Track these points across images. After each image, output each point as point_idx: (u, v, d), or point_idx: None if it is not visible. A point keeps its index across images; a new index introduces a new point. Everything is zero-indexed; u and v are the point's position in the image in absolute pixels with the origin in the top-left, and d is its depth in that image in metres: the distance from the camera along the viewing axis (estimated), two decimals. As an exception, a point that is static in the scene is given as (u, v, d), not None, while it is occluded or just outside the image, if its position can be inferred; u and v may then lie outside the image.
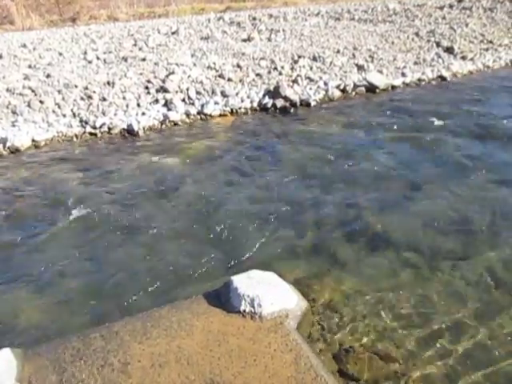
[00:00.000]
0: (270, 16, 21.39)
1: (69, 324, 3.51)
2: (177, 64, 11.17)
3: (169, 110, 8.68)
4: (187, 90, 9.31)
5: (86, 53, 13.28)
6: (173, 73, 10.26)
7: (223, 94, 9.27)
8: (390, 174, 5.80)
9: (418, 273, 3.90)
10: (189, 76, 10.15)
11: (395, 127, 7.55)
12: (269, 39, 14.56)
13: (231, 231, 4.65)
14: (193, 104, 8.96)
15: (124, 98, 9.07)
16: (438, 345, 3.14)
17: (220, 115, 8.75)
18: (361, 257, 4.14)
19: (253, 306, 3.07)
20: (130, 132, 8.02)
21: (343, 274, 3.90)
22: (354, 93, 9.88)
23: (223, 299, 3.23)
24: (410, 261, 4.05)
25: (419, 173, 5.81)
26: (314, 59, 11.48)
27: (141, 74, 10.47)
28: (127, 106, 8.79)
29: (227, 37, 15.48)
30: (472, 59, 12.08)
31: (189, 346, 2.90)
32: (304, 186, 5.61)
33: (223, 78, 10.14)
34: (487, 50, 12.98)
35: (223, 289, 3.32)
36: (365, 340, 3.22)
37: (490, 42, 13.83)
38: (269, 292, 3.16)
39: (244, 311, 3.08)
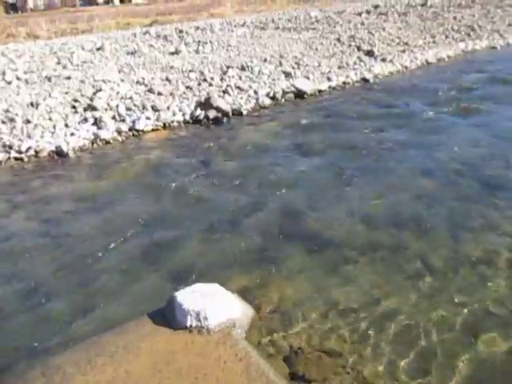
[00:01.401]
0: (197, 28, 21.44)
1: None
2: (104, 81, 10.88)
3: (99, 128, 8.42)
4: (117, 106, 9.09)
5: (4, 73, 12.57)
6: (100, 90, 9.98)
7: (154, 109, 9.15)
8: (322, 176, 6.00)
9: (359, 268, 4.06)
10: (117, 92, 9.93)
11: (323, 130, 7.85)
12: (197, 51, 14.58)
13: (171, 246, 4.59)
14: (123, 121, 8.76)
15: (50, 119, 8.68)
16: (383, 336, 3.27)
17: (153, 130, 8.62)
18: (302, 258, 4.24)
19: (199, 320, 3.05)
20: (59, 154, 7.68)
21: (287, 277, 3.97)
22: (283, 99, 10.14)
23: (168, 317, 3.19)
24: (349, 257, 4.21)
25: (348, 171, 6.06)
26: (243, 69, 11.66)
27: (66, 92, 10.08)
28: (54, 126, 8.41)
29: (154, 51, 15.31)
30: (391, 61, 12.82)
31: (137, 369, 2.82)
32: (241, 194, 5.66)
33: (153, 92, 10.02)
34: (404, 51, 13.84)
35: (167, 306, 3.28)
36: (313, 340, 3.30)
37: (406, 44, 14.76)
38: (214, 304, 3.16)
39: (190, 326, 3.06)
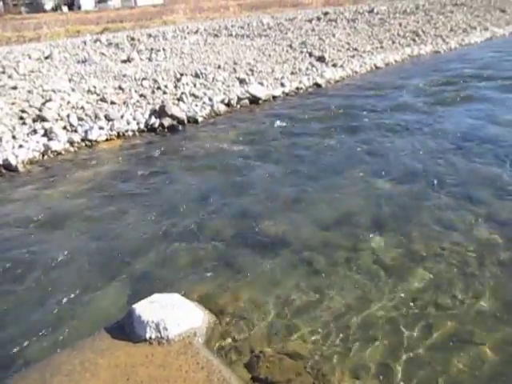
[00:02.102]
0: (149, 36, 21.24)
1: None
2: (53, 90, 10.56)
3: (49, 139, 8.15)
4: (68, 116, 8.84)
5: None
6: (50, 100, 9.67)
7: (107, 118, 8.97)
8: (277, 181, 6.08)
9: (315, 269, 4.13)
10: (68, 102, 9.66)
11: (278, 135, 7.97)
12: (149, 59, 14.44)
13: (127, 258, 4.51)
14: (75, 131, 8.53)
15: (-4, 132, 8.33)
16: (341, 335, 3.35)
17: (106, 140, 8.44)
18: (260, 262, 4.27)
19: (159, 332, 3.01)
20: (7, 168, 7.36)
21: (246, 282, 3.99)
22: (238, 106, 10.21)
23: (127, 330, 3.13)
24: (306, 258, 4.28)
25: (302, 175, 6.18)
26: (197, 76, 11.65)
27: (13, 103, 9.70)
28: (0, 139, 8.08)
29: (106, 59, 15.03)
30: (342, 66, 13.19)
31: (95, 386, 2.75)
32: (197, 201, 5.64)
33: (105, 101, 9.82)
34: (353, 56, 14.27)
35: (126, 319, 3.22)
36: (274, 342, 3.33)
37: (355, 49, 15.23)
38: (173, 314, 3.13)
39: (150, 338, 3.02)
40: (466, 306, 3.52)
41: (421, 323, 3.38)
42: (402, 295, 3.69)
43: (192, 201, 5.69)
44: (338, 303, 3.67)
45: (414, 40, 17.05)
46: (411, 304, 3.59)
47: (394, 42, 16.50)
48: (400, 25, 20.21)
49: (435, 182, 5.63)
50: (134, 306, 3.26)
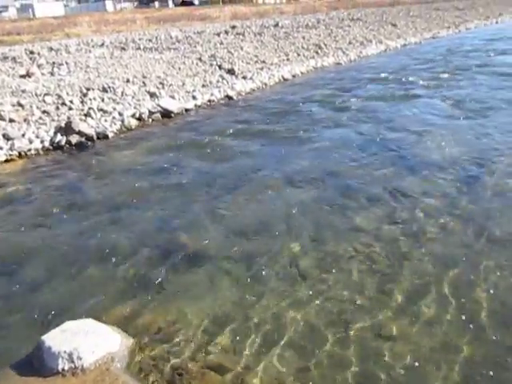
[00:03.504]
0: (51, 49, 20.15)
1: None
2: None
3: None
4: (-42, 138, 8.08)
5: None
6: None
7: (6, 137, 8.32)
8: (190, 193, 6.06)
9: (235, 279, 4.16)
10: (-42, 122, 8.83)
11: (191, 148, 7.96)
12: (52, 73, 13.68)
13: (35, 287, 4.20)
14: (-31, 153, 7.82)
15: None
16: (264, 344, 3.38)
17: (6, 161, 7.82)
18: (179, 277, 4.21)
19: (72, 362, 2.84)
20: None
21: (165, 299, 3.90)
22: (150, 120, 10.03)
23: (36, 364, 2.91)
24: (225, 270, 4.29)
25: (217, 186, 6.22)
26: (105, 90, 11.26)
27: None
28: None
29: (1, 73, 13.98)
30: (251, 78, 13.52)
31: (2, 430, 2.52)
32: (107, 220, 5.42)
33: (3, 119, 9.12)
34: (262, 69, 14.70)
35: (35, 352, 2.99)
36: (196, 357, 3.29)
37: (263, 61, 15.71)
38: (88, 341, 2.98)
39: (63, 370, 2.83)
40: (379, 303, 3.75)
41: (339, 323, 3.53)
42: (321, 298, 3.84)
43: (102, 219, 5.46)
44: (259, 311, 3.72)
45: (317, 52, 17.99)
46: (329, 305, 3.75)
47: (299, 55, 17.28)
48: (303, 38, 21.23)
49: (342, 187, 5.97)
50: (42, 337, 3.04)
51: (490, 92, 10.94)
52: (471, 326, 3.41)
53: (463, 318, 3.49)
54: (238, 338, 3.45)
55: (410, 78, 13.44)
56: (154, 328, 3.57)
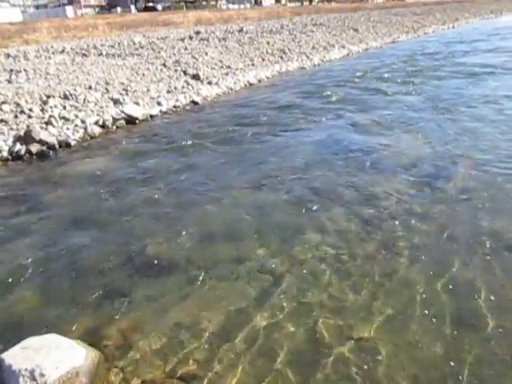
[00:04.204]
0: (8, 56, 19.53)
1: None
2: None
3: None
4: None
5: None
6: None
7: (-39, 148, 8.00)
8: (156, 201, 5.98)
9: (203, 286, 4.11)
10: None
11: (156, 155, 7.86)
12: (9, 81, 13.24)
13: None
14: None
15: None
16: (232, 349, 3.36)
17: (-39, 172, 7.51)
18: (146, 287, 4.13)
19: (34, 379, 2.73)
20: None
21: (133, 310, 3.82)
22: (114, 127, 9.85)
23: (-4, 384, 2.79)
24: (192, 277, 4.23)
25: (183, 193, 6.16)
26: (66, 97, 10.98)
27: None
28: None
29: (-44, 82, 13.41)
30: (217, 83, 13.51)
31: None
32: (71, 231, 5.27)
33: (-43, 129, 8.75)
34: (227, 74, 14.71)
35: (-5, 372, 2.86)
36: (165, 368, 3.23)
37: (229, 67, 15.72)
38: (51, 357, 2.87)
39: (25, 388, 2.72)
40: (341, 302, 3.79)
41: (307, 325, 3.55)
42: (290, 301, 3.84)
43: (62, 229, 5.31)
44: (228, 319, 3.69)
45: (281, 57, 18.16)
46: (296, 306, 3.76)
47: (263, 60, 17.39)
48: (268, 43, 21.39)
49: (305, 189, 6.03)
50: (2, 355, 2.91)
51: (452, 91, 11.35)
52: (435, 321, 3.49)
53: (426, 313, 3.57)
54: (205, 345, 3.41)
55: (373, 81, 13.77)
56: (120, 340, 3.49)
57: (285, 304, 3.80)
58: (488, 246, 4.42)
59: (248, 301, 3.87)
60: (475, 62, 16.15)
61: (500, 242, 4.47)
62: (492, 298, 3.72)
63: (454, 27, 37.28)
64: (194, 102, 11.87)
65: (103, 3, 74.48)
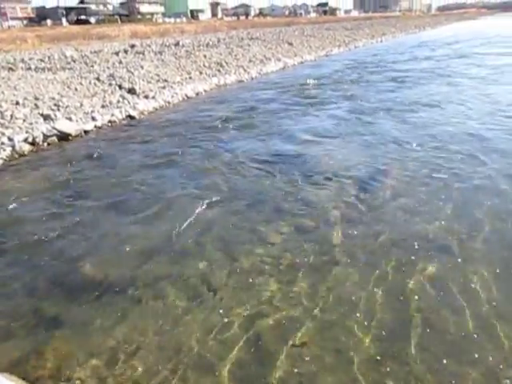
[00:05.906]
0: None
1: None
2: None
3: None
4: None
5: None
6: None
7: None
8: (91, 220, 5.78)
9: (139, 305, 3.98)
10: None
11: (91, 172, 7.60)
12: None
13: None
14: None
15: None
16: (177, 366, 3.28)
17: None
18: (83, 309, 3.94)
19: (-46, 420, 2.51)
20: None
21: (64, 337, 3.61)
22: (45, 144, 9.41)
23: None
24: (128, 296, 4.10)
25: (119, 210, 6.00)
26: (-10, 114, 10.35)
27: None
28: None
29: None
30: (154, 97, 13.32)
31: None
32: (7, 263, 4.98)
33: None
34: (164, 87, 14.55)
35: None
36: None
37: (166, 80, 15.56)
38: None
39: None
40: (284, 311, 3.84)
41: (251, 337, 3.55)
42: (233, 316, 3.82)
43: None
44: (166, 337, 3.59)
45: (219, 70, 18.26)
46: (240, 322, 3.74)
47: (201, 73, 17.40)
48: (205, 56, 21.43)
49: (247, 201, 6.07)
50: None
51: (382, 97, 11.95)
52: (373, 323, 3.62)
53: (362, 318, 3.70)
54: (145, 369, 3.30)
55: (310, 92, 14.22)
56: (53, 369, 3.30)
57: (227, 320, 3.77)
58: (417, 247, 4.68)
59: (189, 318, 3.81)
60: (400, 69, 17.94)
61: (430, 244, 4.74)
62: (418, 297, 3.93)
63: (381, 41, 39.44)
64: (131, 117, 11.63)
65: (32, 15, 71.40)
